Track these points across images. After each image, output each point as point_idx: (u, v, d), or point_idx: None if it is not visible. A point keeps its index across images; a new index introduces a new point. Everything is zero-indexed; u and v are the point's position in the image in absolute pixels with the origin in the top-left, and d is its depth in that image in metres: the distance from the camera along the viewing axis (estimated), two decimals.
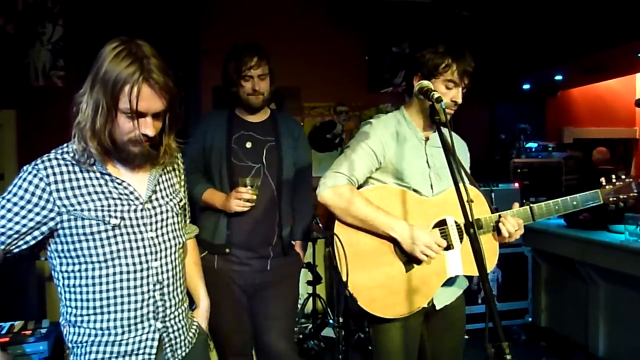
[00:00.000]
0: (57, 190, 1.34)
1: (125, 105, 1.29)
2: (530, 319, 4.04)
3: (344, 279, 1.81)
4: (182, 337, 1.51)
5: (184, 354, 1.51)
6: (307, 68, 4.61)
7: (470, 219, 1.26)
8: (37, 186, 1.32)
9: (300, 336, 3.76)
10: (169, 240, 1.48)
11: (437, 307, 1.91)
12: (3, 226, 1.31)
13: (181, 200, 1.57)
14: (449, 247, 1.85)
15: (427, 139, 1.93)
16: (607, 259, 3.27)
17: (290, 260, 2.38)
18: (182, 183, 1.62)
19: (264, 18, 4.52)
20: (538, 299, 4.15)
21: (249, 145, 2.31)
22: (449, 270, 1.85)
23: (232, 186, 2.27)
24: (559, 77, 4.77)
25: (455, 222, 1.86)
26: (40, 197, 1.32)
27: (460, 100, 1.84)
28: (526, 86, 4.97)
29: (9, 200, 1.32)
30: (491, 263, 1.88)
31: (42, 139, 3.93)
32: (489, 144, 4.93)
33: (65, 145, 1.41)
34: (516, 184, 4.09)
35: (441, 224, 1.86)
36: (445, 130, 1.66)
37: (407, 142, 1.90)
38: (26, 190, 1.32)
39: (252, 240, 2.29)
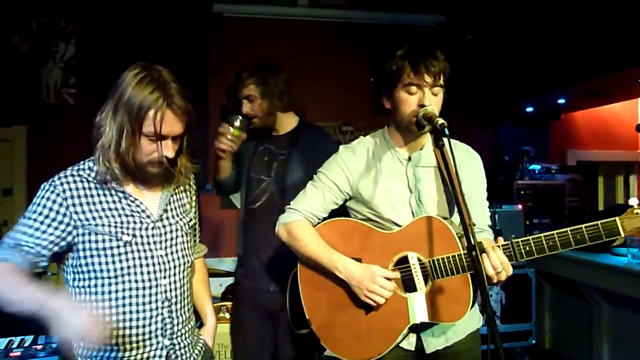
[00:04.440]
0: (74, 205, 1.38)
1: (149, 129, 1.34)
2: (534, 341, 4.01)
3: (307, 316, 1.75)
4: (188, 355, 1.53)
5: None
6: (313, 88, 4.67)
7: (473, 242, 1.28)
8: (54, 201, 1.37)
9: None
10: (178, 258, 1.51)
11: (427, 351, 1.68)
12: (27, 243, 1.36)
13: (191, 220, 1.60)
14: (412, 289, 1.61)
15: (409, 158, 1.72)
16: (610, 281, 3.27)
17: None
18: (194, 204, 1.66)
19: (271, 38, 4.60)
20: (542, 321, 4.13)
21: (266, 158, 2.31)
22: (413, 315, 1.60)
23: (247, 198, 2.32)
24: (562, 101, 4.81)
25: (419, 260, 1.60)
26: (57, 212, 1.37)
27: (427, 102, 1.56)
28: (529, 109, 5.01)
29: (29, 218, 1.38)
30: (458, 313, 1.56)
31: (52, 154, 4.05)
32: (493, 165, 4.95)
33: (82, 162, 1.46)
34: (519, 206, 4.11)
35: (405, 261, 1.63)
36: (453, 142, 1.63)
37: (384, 166, 1.72)
38: (44, 207, 1.37)
39: (257, 256, 2.30)
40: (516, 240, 1.49)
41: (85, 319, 1.23)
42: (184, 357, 1.51)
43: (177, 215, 1.54)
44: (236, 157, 2.34)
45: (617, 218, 1.42)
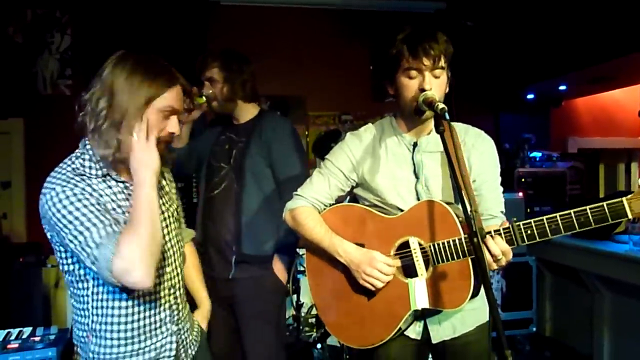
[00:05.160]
0: (99, 198, 1.36)
1: (162, 104, 1.35)
2: (534, 329, 4.02)
3: (312, 301, 1.80)
4: (191, 337, 1.58)
5: (194, 352, 1.58)
6: (312, 77, 4.64)
7: (474, 228, 1.27)
8: (86, 198, 1.31)
9: (305, 344, 3.76)
10: (175, 245, 1.53)
11: (434, 341, 1.68)
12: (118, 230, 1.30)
13: (178, 206, 1.63)
14: (413, 274, 1.60)
15: (415, 144, 1.70)
16: (611, 268, 3.26)
17: (262, 281, 2.23)
18: (174, 190, 1.65)
19: (270, 28, 4.57)
20: (542, 308, 4.14)
21: (227, 146, 2.31)
22: (414, 301, 1.59)
23: (207, 186, 2.32)
24: (563, 87, 4.78)
25: (420, 245, 1.58)
26: (98, 199, 1.34)
27: (427, 86, 1.53)
28: (530, 96, 4.98)
29: (87, 221, 1.28)
30: (458, 299, 1.53)
31: (50, 146, 4.02)
32: None
33: (69, 162, 1.38)
34: (520, 194, 4.09)
35: (407, 246, 1.61)
36: (457, 127, 1.64)
37: (391, 152, 1.71)
38: (85, 203, 1.30)
39: (215, 244, 2.29)
40: (517, 223, 1.43)
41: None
42: (187, 340, 1.55)
43: (166, 203, 1.55)
44: (198, 143, 2.36)
45: (624, 198, 1.34)
